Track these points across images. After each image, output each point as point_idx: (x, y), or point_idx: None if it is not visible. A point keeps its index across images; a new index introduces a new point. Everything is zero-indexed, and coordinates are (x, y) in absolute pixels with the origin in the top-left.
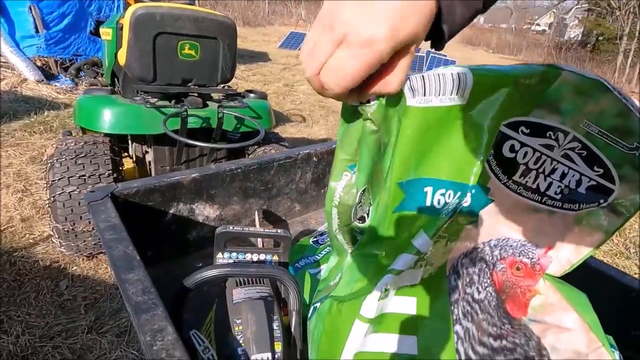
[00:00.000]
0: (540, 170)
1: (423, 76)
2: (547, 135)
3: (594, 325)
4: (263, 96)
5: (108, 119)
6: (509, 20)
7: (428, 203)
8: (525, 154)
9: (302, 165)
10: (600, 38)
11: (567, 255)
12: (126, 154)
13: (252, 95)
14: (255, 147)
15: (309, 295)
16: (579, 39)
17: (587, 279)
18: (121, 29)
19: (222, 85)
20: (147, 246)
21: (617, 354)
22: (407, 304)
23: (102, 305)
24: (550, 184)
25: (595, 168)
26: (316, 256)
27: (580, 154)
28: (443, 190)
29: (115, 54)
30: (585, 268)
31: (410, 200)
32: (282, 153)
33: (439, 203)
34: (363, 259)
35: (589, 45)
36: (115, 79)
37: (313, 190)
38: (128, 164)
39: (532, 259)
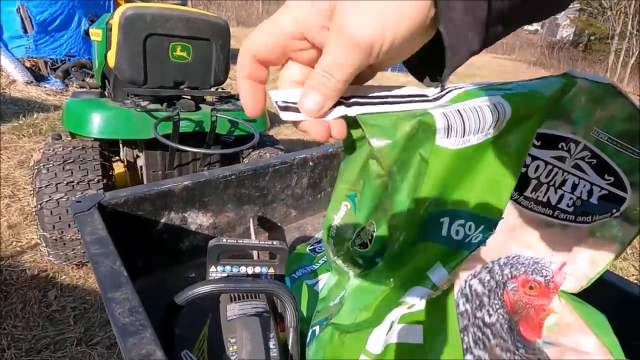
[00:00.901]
0: (552, 183)
1: (461, 113)
2: (560, 146)
3: (613, 348)
4: None
5: (97, 123)
6: None
7: (444, 233)
8: (537, 167)
9: (298, 170)
10: (592, 38)
11: (583, 269)
12: (117, 157)
13: None
14: (250, 150)
15: (307, 308)
16: (571, 38)
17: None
18: (110, 29)
19: (215, 88)
20: (138, 256)
21: None
22: (413, 333)
23: (92, 316)
24: (561, 197)
25: (606, 176)
26: (313, 266)
27: (590, 162)
28: (462, 222)
29: (105, 56)
30: None
31: (424, 231)
32: (278, 158)
33: (457, 234)
34: (370, 287)
35: (581, 45)
36: (106, 81)
37: (309, 195)
38: (119, 168)
39: (545, 276)
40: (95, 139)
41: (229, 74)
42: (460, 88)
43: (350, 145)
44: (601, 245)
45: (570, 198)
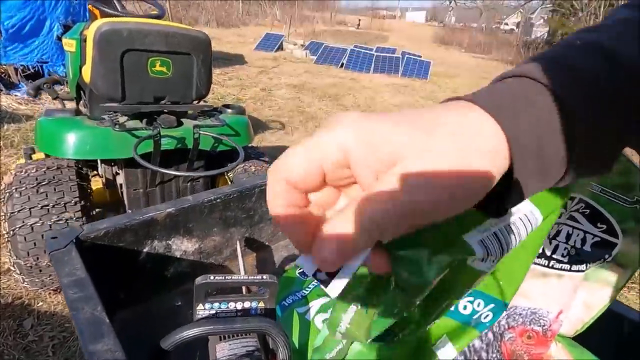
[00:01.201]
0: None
1: (498, 237)
2: None
3: None
4: (241, 111)
5: (73, 143)
6: (479, 20)
7: (452, 308)
8: None
9: None
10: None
11: (578, 314)
12: (95, 172)
13: (229, 110)
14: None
15: (298, 338)
16: (545, 38)
17: None
18: (85, 42)
19: (197, 102)
20: (120, 288)
21: None
22: None
23: (72, 345)
24: (556, 247)
25: (599, 224)
26: (303, 291)
27: (584, 212)
28: (471, 299)
29: (80, 68)
30: None
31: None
32: (264, 177)
33: (464, 309)
34: (372, 355)
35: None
36: (81, 92)
37: None
38: (97, 184)
39: (543, 326)
40: (72, 159)
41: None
42: None
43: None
44: (595, 290)
45: (565, 247)
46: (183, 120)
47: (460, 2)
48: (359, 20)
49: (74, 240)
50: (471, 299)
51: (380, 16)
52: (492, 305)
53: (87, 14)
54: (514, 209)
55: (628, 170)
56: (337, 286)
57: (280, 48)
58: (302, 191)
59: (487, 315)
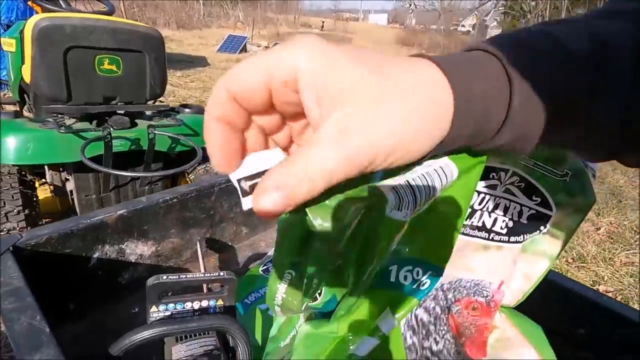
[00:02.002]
0: (485, 208)
1: (412, 185)
2: (491, 176)
3: None
4: (200, 110)
5: (14, 148)
6: (437, 22)
7: (392, 279)
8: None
9: None
10: None
11: (518, 285)
12: (43, 180)
13: (187, 110)
14: (195, 165)
15: (261, 335)
16: None
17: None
18: (24, 39)
19: (152, 102)
20: (70, 298)
21: None
22: None
23: None
24: (495, 220)
25: (534, 197)
26: (266, 288)
27: (519, 186)
28: (409, 267)
29: (21, 68)
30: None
31: (373, 279)
32: (223, 176)
33: (405, 279)
34: (320, 336)
35: None
36: (25, 95)
37: None
38: (45, 193)
39: (486, 296)
40: (14, 164)
41: (167, 83)
42: None
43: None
44: (533, 261)
45: (503, 220)
46: (138, 121)
47: (419, 4)
48: (323, 22)
49: (11, 249)
50: (410, 267)
51: (344, 18)
52: (429, 272)
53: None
54: (428, 164)
55: None
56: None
57: (244, 50)
58: (244, 108)
59: (426, 283)
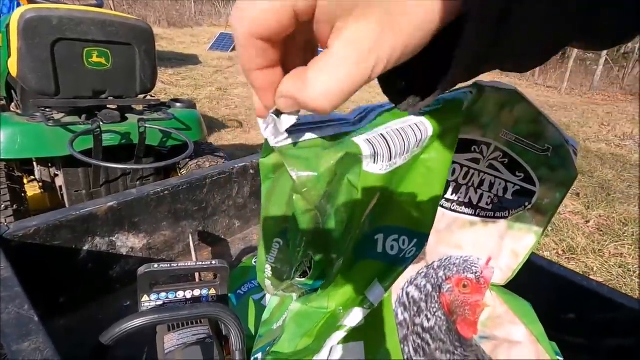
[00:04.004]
0: (470, 184)
1: (385, 138)
2: (472, 149)
3: (540, 336)
4: (191, 105)
5: (0, 142)
6: None
7: (380, 250)
8: (454, 170)
9: (239, 180)
10: None
11: (506, 262)
12: (32, 177)
13: (178, 104)
14: (187, 160)
15: (255, 324)
16: None
17: (519, 271)
18: (9, 32)
19: (143, 96)
20: (59, 292)
21: None
22: (355, 351)
23: None
24: (481, 196)
25: (517, 173)
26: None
27: (503, 162)
28: (396, 236)
29: (7, 62)
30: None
31: (360, 250)
32: (215, 168)
33: (392, 249)
34: (310, 312)
35: None
36: (12, 92)
37: (253, 204)
38: (34, 190)
39: (476, 273)
40: (1, 160)
41: (157, 79)
42: (378, 109)
43: (270, 176)
44: (519, 238)
45: (489, 196)
46: (128, 115)
47: None
48: None
49: None
50: (396, 236)
51: None
52: (415, 240)
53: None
54: (401, 121)
55: (536, 119)
56: (285, 123)
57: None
58: (274, 43)
59: (411, 251)
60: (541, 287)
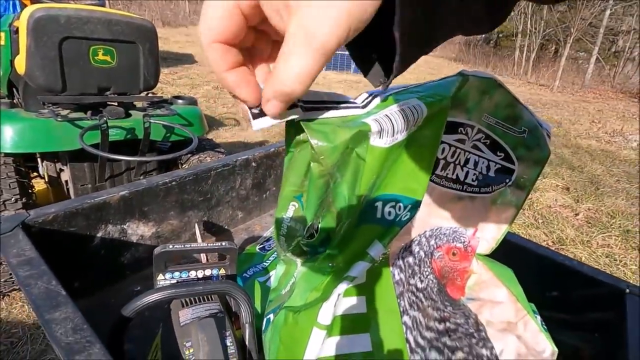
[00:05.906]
0: (457, 162)
1: (389, 117)
2: (459, 131)
3: (519, 296)
4: (192, 101)
5: (10, 136)
6: None
7: (379, 215)
8: (443, 149)
9: (242, 172)
10: (501, 35)
11: (491, 233)
12: (35, 174)
13: (180, 101)
14: (189, 156)
15: (260, 304)
16: (484, 36)
17: (508, 253)
18: (17, 32)
19: (146, 93)
20: (74, 277)
21: (538, 319)
22: (357, 304)
23: (21, 350)
24: (467, 173)
25: (498, 153)
26: (264, 263)
27: (485, 143)
28: (392, 203)
29: (12, 61)
30: (506, 244)
31: (363, 215)
32: (219, 161)
33: (389, 214)
34: (318, 270)
35: (492, 42)
36: (14, 89)
37: (255, 196)
38: (39, 185)
39: (464, 242)
40: (7, 154)
41: (159, 77)
42: (382, 94)
43: (292, 149)
44: (502, 211)
45: (474, 173)
46: (132, 112)
47: None
48: None
49: (20, 225)
50: (393, 203)
51: None
52: (409, 206)
53: (18, 7)
54: (400, 103)
55: (512, 104)
56: (261, 123)
57: None
58: (235, 44)
59: (406, 215)
60: (528, 267)
